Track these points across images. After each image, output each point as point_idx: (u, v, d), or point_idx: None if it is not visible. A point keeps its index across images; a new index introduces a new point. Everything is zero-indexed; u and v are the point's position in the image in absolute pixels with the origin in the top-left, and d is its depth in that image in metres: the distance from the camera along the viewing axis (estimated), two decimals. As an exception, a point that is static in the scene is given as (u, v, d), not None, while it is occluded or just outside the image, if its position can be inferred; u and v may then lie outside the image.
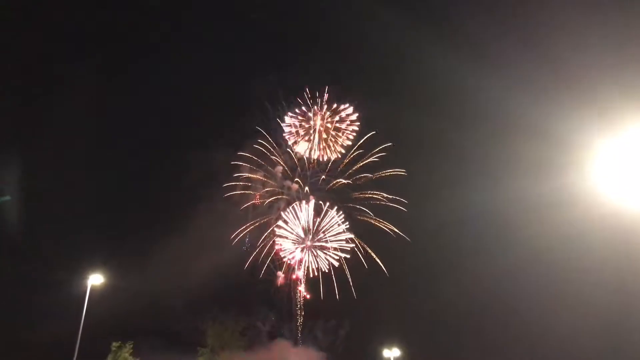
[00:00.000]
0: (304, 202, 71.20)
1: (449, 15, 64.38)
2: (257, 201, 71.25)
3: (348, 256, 67.87)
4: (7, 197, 42.43)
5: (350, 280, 67.90)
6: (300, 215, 71.01)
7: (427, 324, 62.17)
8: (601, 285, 46.58)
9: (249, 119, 72.22)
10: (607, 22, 43.65)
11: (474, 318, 60.63)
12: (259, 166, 72.15)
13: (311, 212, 70.57)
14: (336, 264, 68.20)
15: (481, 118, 59.03)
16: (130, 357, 48.71)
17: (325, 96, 71.55)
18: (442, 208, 61.20)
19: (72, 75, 64.71)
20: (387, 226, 68.00)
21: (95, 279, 42.26)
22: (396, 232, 67.00)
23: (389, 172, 68.68)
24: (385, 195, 68.39)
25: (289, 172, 72.97)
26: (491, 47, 56.80)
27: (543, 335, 53.75)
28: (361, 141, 70.53)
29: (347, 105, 71.24)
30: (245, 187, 71.23)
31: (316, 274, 68.76)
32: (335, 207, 70.20)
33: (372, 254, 68.02)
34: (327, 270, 68.32)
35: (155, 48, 79.61)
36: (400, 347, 55.81)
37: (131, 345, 49.14)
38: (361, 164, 70.49)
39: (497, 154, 55.93)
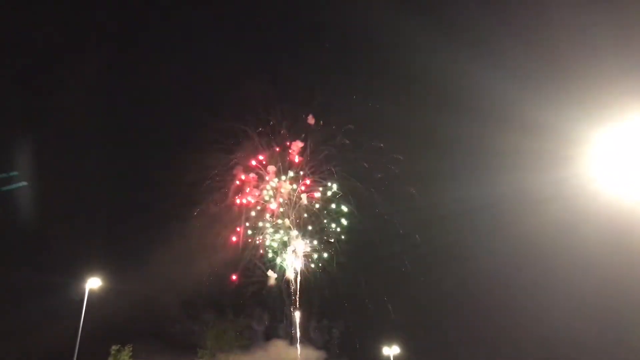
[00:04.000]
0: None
1: (444, 7, 64.26)
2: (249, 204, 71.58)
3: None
4: (24, 183, 42.67)
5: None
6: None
7: (422, 318, 62.38)
8: (597, 277, 46.86)
9: (243, 122, 72.22)
10: (603, 15, 43.87)
11: (469, 311, 60.94)
12: (252, 169, 72.53)
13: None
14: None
15: (476, 111, 59.02)
16: (130, 360, 48.63)
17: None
18: (436, 201, 61.40)
19: (69, 78, 64.31)
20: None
21: (93, 283, 42.16)
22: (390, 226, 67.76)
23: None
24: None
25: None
26: (487, 40, 56.88)
27: (538, 327, 54.05)
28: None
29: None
30: (238, 190, 71.56)
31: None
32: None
33: None
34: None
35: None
36: (398, 344, 56.18)
37: (130, 348, 48.85)
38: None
39: (492, 148, 56.03)
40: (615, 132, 38.18)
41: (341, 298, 69.19)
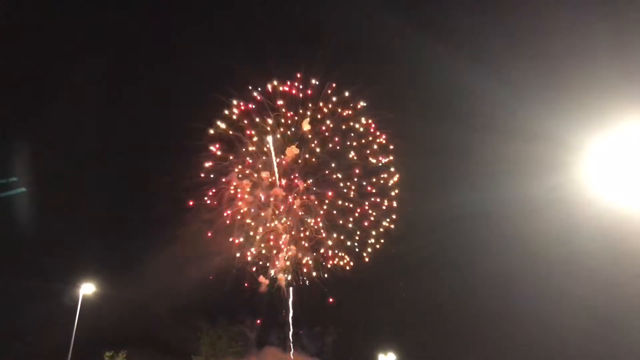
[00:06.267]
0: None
1: (441, 15, 64.39)
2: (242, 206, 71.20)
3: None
4: (23, 189, 42.47)
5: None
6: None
7: (421, 324, 62.08)
8: (595, 283, 46.94)
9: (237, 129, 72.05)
10: (600, 21, 44.22)
11: (468, 317, 60.67)
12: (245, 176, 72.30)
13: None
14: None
15: (472, 118, 59.09)
16: (124, 367, 48.30)
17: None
18: (433, 208, 61.19)
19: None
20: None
21: (87, 288, 41.88)
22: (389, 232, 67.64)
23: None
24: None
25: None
26: (484, 47, 57.00)
27: (538, 333, 54.02)
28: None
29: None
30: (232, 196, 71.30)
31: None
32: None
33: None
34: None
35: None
36: (395, 351, 55.90)
37: (124, 355, 48.69)
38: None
39: (488, 154, 56.04)
40: (612, 138, 38.47)
41: (335, 304, 68.89)
